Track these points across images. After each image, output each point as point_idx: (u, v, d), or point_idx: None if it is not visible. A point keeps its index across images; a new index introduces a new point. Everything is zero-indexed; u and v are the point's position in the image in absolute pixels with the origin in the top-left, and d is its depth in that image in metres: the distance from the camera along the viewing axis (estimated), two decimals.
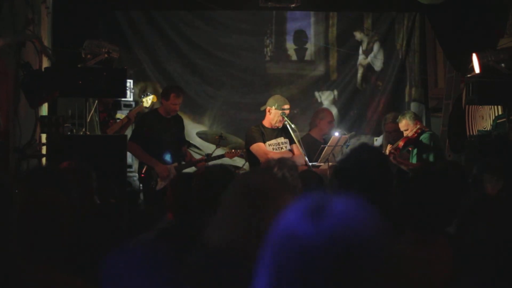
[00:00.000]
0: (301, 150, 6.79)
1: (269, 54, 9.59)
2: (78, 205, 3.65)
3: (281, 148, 6.92)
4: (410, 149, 7.32)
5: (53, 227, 2.41)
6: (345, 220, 1.22)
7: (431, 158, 6.99)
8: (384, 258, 1.22)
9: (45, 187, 2.68)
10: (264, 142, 6.88)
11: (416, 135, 7.15)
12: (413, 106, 9.54)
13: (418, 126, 7.19)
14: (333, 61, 9.64)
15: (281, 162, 3.72)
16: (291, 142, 6.95)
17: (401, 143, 7.17)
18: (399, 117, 7.49)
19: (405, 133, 7.28)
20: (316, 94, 9.65)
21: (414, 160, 7.24)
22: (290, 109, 7.00)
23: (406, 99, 9.61)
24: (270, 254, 1.24)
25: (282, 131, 7.00)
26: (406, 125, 7.27)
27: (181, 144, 7.55)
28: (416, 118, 7.33)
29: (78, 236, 2.73)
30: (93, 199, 3.96)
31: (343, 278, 1.18)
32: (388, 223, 1.27)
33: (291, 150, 6.94)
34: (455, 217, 2.48)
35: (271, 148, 6.87)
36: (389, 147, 7.22)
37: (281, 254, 1.22)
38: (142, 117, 7.73)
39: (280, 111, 6.87)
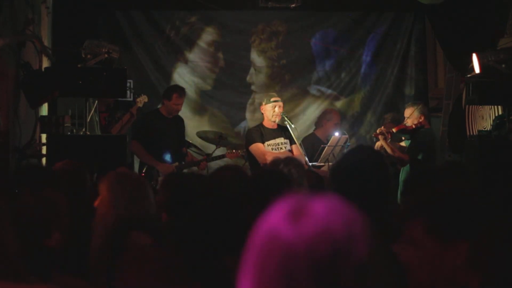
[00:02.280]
0: (301, 150, 6.80)
1: (271, 53, 9.57)
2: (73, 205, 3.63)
3: (280, 148, 6.93)
4: (404, 138, 7.30)
5: (51, 227, 2.39)
6: (328, 222, 1.20)
7: (419, 156, 6.94)
8: (371, 261, 1.20)
9: (43, 187, 2.67)
10: (263, 143, 6.89)
11: (414, 127, 7.12)
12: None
13: (421, 120, 7.13)
14: (335, 60, 9.63)
15: (288, 160, 3.75)
16: (291, 142, 6.97)
17: (395, 129, 7.17)
18: (409, 103, 7.50)
19: (405, 121, 7.24)
20: (317, 94, 9.64)
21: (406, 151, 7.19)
22: (280, 100, 7.05)
23: (406, 99, 9.60)
24: (253, 257, 1.22)
25: (282, 132, 7.02)
26: (410, 113, 7.21)
27: (181, 145, 7.56)
28: (423, 112, 7.22)
29: (75, 236, 2.71)
30: (86, 199, 3.92)
31: (327, 281, 1.17)
32: (373, 225, 1.24)
33: (290, 151, 6.95)
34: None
35: (270, 148, 6.88)
36: (381, 128, 7.19)
37: (264, 257, 1.20)
38: (143, 116, 7.73)
39: (270, 104, 6.93)
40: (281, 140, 6.98)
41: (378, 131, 7.12)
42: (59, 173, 3.78)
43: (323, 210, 1.21)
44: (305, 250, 1.17)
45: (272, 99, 6.99)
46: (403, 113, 8.49)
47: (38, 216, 2.35)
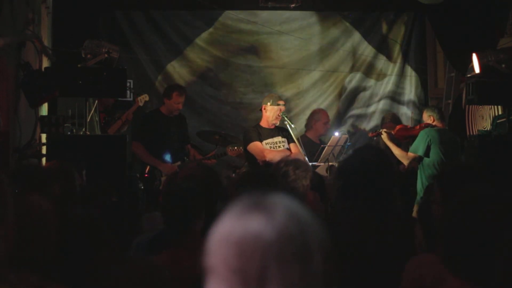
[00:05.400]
0: (300, 149, 6.80)
1: (270, 53, 9.56)
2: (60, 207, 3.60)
3: (279, 146, 6.93)
4: (407, 140, 7.32)
5: (39, 233, 2.36)
6: (296, 216, 1.27)
7: (419, 151, 6.92)
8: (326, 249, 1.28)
9: (30, 192, 2.64)
10: (261, 141, 6.89)
11: (419, 127, 7.14)
12: (413, 106, 9.52)
13: (429, 122, 7.12)
14: (334, 60, 9.62)
15: (290, 161, 3.76)
16: (289, 141, 6.97)
17: (396, 128, 7.22)
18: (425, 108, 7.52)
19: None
20: (317, 93, 9.64)
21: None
22: (284, 105, 7.06)
23: (406, 99, 9.61)
24: (229, 252, 1.25)
25: (280, 131, 7.02)
26: (423, 117, 7.28)
27: (184, 143, 7.57)
28: (433, 114, 7.17)
29: (65, 242, 2.67)
30: (74, 200, 3.87)
31: (296, 273, 1.23)
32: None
33: (289, 149, 6.95)
34: None
35: (268, 147, 6.88)
36: (383, 130, 7.23)
37: (239, 254, 1.24)
38: (144, 116, 7.73)
39: (276, 107, 6.91)
40: (278, 139, 6.98)
41: (382, 132, 7.15)
42: (47, 174, 3.75)
43: (288, 205, 1.28)
44: (276, 237, 1.23)
45: (278, 102, 6.96)
46: (403, 113, 8.50)
47: (24, 222, 2.31)
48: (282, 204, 1.28)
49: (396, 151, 7.01)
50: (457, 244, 2.01)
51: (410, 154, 6.95)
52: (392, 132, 7.18)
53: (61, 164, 3.97)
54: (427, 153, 6.85)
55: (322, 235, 1.29)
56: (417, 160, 6.94)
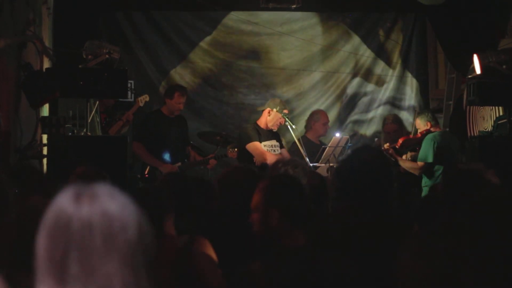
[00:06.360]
0: (301, 150, 6.81)
1: (272, 54, 9.55)
2: None
3: (274, 150, 6.94)
4: (418, 149, 7.24)
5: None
6: (104, 207, 1.38)
7: (429, 159, 6.90)
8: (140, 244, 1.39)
9: (35, 194, 2.63)
10: (261, 142, 6.89)
11: (420, 135, 7.12)
12: (413, 111, 9.50)
13: (428, 128, 7.11)
14: (335, 61, 9.61)
15: (288, 161, 3.78)
16: (281, 146, 7.04)
17: (400, 141, 7.17)
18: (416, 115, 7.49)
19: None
20: (318, 94, 9.63)
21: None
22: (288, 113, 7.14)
23: (407, 100, 9.60)
24: (43, 233, 1.40)
25: (275, 135, 7.05)
26: (417, 125, 7.25)
27: (185, 144, 7.57)
28: (429, 119, 7.17)
29: None
30: None
31: (97, 255, 1.35)
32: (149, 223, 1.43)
33: (281, 154, 6.96)
34: None
35: (266, 149, 6.89)
36: (386, 145, 7.19)
37: (52, 233, 1.38)
38: (145, 117, 7.73)
39: (281, 114, 6.92)
40: (274, 142, 7.02)
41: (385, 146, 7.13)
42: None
43: (103, 193, 1.41)
44: (81, 225, 1.36)
45: (284, 111, 6.98)
46: (403, 118, 8.46)
47: (26, 223, 2.31)
48: (97, 196, 1.39)
49: (405, 164, 6.99)
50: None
51: (420, 163, 6.92)
52: (396, 146, 7.16)
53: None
54: (436, 159, 6.83)
55: (133, 227, 1.39)
56: (427, 167, 6.91)
